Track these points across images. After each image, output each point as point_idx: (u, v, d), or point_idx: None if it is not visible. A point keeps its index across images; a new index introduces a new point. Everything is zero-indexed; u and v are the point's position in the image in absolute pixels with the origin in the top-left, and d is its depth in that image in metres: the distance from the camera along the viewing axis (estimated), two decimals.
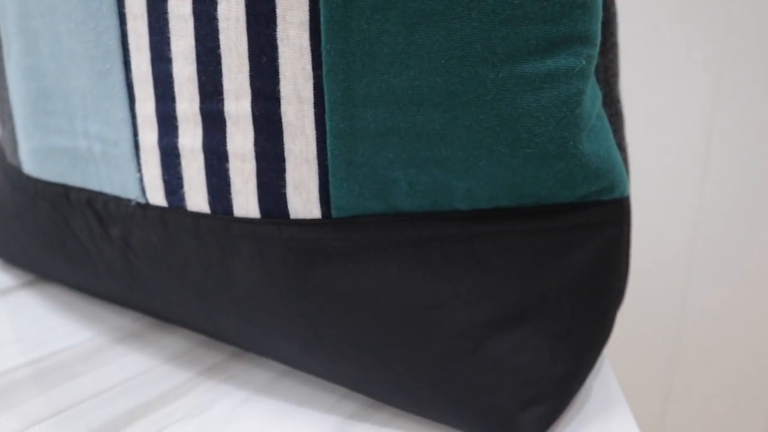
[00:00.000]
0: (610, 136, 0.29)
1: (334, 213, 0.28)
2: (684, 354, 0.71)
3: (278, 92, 0.26)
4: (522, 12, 0.24)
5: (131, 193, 0.32)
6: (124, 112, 0.30)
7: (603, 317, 0.30)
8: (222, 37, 0.26)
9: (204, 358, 0.37)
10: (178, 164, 0.29)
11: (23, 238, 0.41)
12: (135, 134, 0.30)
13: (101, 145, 0.32)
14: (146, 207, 0.32)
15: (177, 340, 0.39)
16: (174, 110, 0.29)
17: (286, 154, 0.27)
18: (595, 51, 0.27)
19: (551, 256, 0.28)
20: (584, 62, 0.26)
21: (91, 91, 0.31)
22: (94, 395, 0.34)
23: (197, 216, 0.30)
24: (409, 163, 0.26)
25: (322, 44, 0.25)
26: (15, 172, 0.39)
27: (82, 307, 0.42)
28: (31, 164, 0.36)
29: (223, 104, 0.27)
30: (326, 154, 0.26)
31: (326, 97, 0.26)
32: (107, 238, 0.34)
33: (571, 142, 0.26)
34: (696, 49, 0.63)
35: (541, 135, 0.26)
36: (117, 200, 0.33)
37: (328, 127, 0.26)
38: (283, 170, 0.27)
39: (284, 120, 0.27)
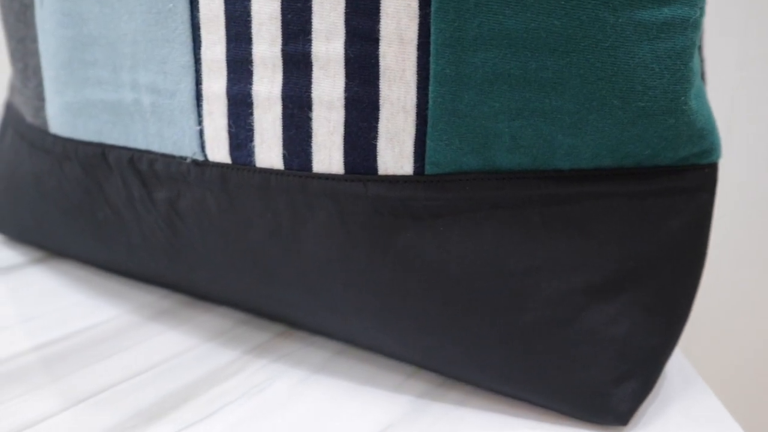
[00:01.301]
0: (707, 96, 0.28)
1: (427, 169, 0.25)
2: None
3: (377, 32, 0.24)
4: None
5: (186, 149, 0.29)
6: (187, 58, 0.27)
7: (692, 287, 0.29)
8: None
9: (248, 337, 0.34)
10: (250, 114, 0.27)
11: (39, 208, 0.37)
12: (198, 82, 0.28)
13: (152, 97, 0.29)
14: (204, 164, 0.29)
15: (213, 318, 0.36)
16: (250, 53, 0.26)
17: (382, 101, 0.25)
18: (705, 3, 0.25)
19: (649, 222, 0.27)
20: (698, 13, 0.25)
21: (146, 35, 0.28)
22: (136, 374, 0.31)
23: (267, 173, 0.27)
24: (516, 115, 0.24)
25: None
26: (37, 134, 0.35)
27: (101, 284, 0.39)
28: (60, 122, 0.33)
29: (310, 45, 0.25)
30: (427, 103, 0.24)
31: (432, 38, 0.23)
32: (150, 202, 0.31)
33: (683, 98, 0.25)
34: (714, 47, 0.63)
35: (655, 88, 0.24)
36: (167, 158, 0.30)
37: (431, 72, 0.24)
38: (376, 120, 0.25)
39: (382, 63, 0.24)
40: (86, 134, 0.32)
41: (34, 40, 0.33)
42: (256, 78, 0.26)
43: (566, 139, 0.25)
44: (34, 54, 0.33)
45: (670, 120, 0.25)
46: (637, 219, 0.26)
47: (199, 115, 0.28)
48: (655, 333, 0.27)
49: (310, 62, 0.25)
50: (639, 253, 0.27)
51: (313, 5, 0.24)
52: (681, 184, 0.27)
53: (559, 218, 0.26)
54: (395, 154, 0.25)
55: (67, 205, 0.35)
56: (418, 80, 0.24)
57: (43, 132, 0.35)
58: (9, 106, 0.40)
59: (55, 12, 0.31)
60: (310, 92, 0.25)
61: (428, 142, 0.25)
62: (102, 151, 0.32)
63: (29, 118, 0.36)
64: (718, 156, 0.28)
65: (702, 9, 0.25)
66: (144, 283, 0.38)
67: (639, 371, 0.27)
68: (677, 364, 0.32)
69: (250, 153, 0.27)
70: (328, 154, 0.26)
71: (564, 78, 0.24)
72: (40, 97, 0.34)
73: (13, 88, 0.40)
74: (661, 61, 0.24)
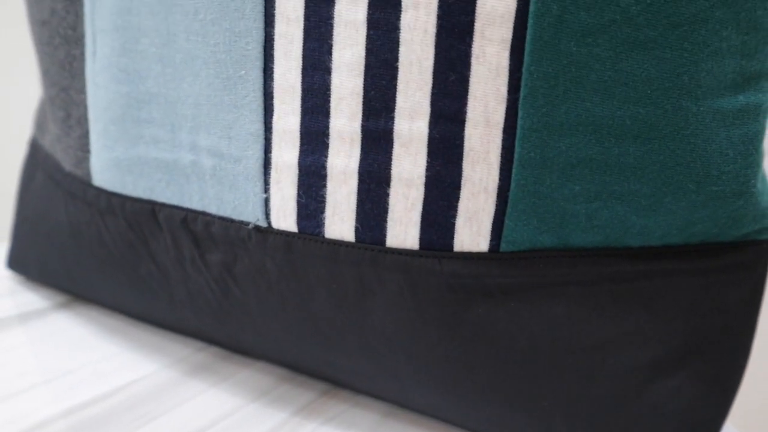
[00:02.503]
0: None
1: (503, 246, 0.25)
2: None
3: (464, 114, 0.24)
4: (727, 45, 0.23)
5: (249, 215, 0.28)
6: (256, 126, 0.27)
7: (745, 356, 0.29)
8: (403, 49, 0.24)
9: (293, 397, 0.33)
10: (323, 186, 0.26)
11: (71, 255, 0.36)
12: (267, 150, 0.27)
13: (214, 161, 0.29)
14: (267, 231, 0.28)
15: (254, 374, 0.35)
16: (326, 126, 0.26)
17: (463, 181, 0.25)
18: None
19: (712, 297, 0.27)
20: None
21: (210, 99, 0.28)
22: None
23: (337, 244, 0.27)
24: (594, 197, 0.25)
25: (525, 65, 0.23)
26: (78, 184, 0.34)
27: (131, 334, 0.38)
28: (107, 176, 0.32)
29: (392, 123, 0.25)
30: (509, 184, 0.24)
31: (520, 122, 0.24)
32: (202, 263, 0.31)
33: (752, 181, 0.26)
34: None
35: (729, 173, 0.25)
36: (225, 222, 0.29)
37: (516, 155, 0.24)
38: (457, 199, 0.25)
39: (466, 145, 0.24)
40: (135, 191, 0.32)
41: (81, 91, 0.32)
42: (332, 151, 0.26)
43: (639, 220, 0.25)
44: (80, 105, 0.33)
45: (739, 201, 0.26)
46: (700, 294, 0.27)
47: (266, 182, 0.27)
48: (713, 404, 0.28)
49: (392, 139, 0.25)
50: (701, 327, 0.27)
51: (398, 84, 0.24)
52: (742, 259, 0.27)
53: (627, 295, 0.26)
54: (473, 232, 0.25)
55: (105, 257, 0.34)
56: (501, 162, 0.24)
57: (84, 183, 0.34)
58: (37, 148, 0.39)
59: (110, 67, 0.30)
60: (390, 169, 0.25)
61: (506, 221, 0.25)
62: (152, 209, 0.31)
63: (68, 167, 0.35)
64: None
65: None
66: (180, 335, 0.37)
67: None
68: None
69: (320, 224, 0.27)
70: (403, 230, 0.26)
71: (644, 163, 0.24)
72: (83, 149, 0.33)
73: (42, 130, 0.38)
74: (735, 146, 0.25)
